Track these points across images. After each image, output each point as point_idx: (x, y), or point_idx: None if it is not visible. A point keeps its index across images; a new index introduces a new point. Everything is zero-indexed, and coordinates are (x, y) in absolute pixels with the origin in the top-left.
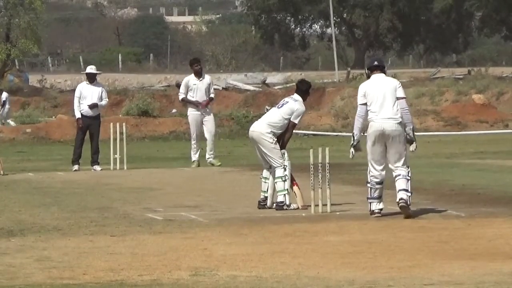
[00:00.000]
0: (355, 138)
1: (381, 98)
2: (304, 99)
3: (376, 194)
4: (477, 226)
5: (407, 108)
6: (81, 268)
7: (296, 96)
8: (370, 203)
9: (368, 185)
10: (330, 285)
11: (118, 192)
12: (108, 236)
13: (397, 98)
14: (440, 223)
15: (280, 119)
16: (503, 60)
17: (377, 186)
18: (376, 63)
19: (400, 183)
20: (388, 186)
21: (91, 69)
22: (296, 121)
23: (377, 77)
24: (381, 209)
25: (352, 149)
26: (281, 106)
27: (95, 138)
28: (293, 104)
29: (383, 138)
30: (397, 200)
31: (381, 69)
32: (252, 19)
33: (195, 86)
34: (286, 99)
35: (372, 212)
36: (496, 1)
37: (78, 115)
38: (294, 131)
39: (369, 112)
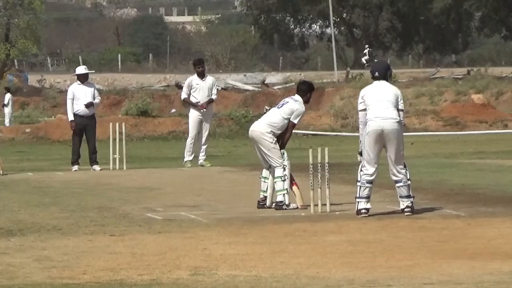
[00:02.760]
0: (361, 144)
1: (381, 100)
2: (306, 101)
3: (365, 194)
4: (477, 225)
5: (402, 120)
6: (81, 267)
7: (296, 96)
8: (358, 202)
9: (358, 183)
10: (329, 284)
11: (118, 192)
12: (108, 235)
13: (400, 110)
14: (440, 222)
15: (280, 119)
16: (503, 60)
17: (367, 185)
18: (376, 74)
19: (402, 190)
20: (387, 186)
21: (85, 69)
22: (295, 121)
23: (380, 83)
24: (368, 209)
25: (358, 156)
26: (281, 106)
27: (91, 138)
28: (293, 104)
29: (382, 137)
30: (402, 207)
31: (384, 78)
32: (252, 19)
33: (198, 86)
34: (287, 99)
35: (359, 212)
36: (496, 1)
37: (71, 117)
38: (293, 131)
39: (368, 112)
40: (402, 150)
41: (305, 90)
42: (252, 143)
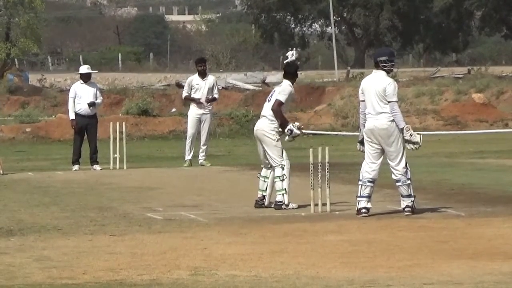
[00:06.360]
0: (360, 133)
1: (372, 98)
2: (293, 82)
3: (366, 193)
4: (477, 225)
5: (395, 111)
6: (81, 267)
7: (282, 83)
8: (359, 201)
9: (360, 182)
10: (329, 284)
11: (118, 191)
12: (108, 235)
13: (387, 102)
14: (440, 222)
15: None
16: (503, 59)
17: (368, 184)
18: (374, 61)
19: (402, 190)
20: (388, 186)
21: (88, 69)
22: (281, 98)
23: (375, 74)
24: (368, 209)
25: (358, 144)
26: (270, 98)
27: (93, 138)
28: (278, 89)
29: (375, 136)
30: (403, 207)
31: (381, 66)
32: (252, 18)
33: (197, 86)
34: (274, 88)
35: (359, 211)
36: (496, 0)
37: (72, 116)
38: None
39: (365, 110)
40: (399, 148)
41: (293, 72)
42: (256, 142)
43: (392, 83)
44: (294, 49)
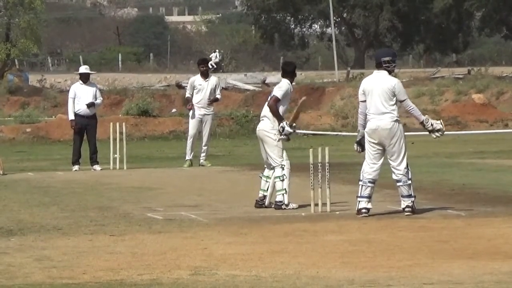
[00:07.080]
0: (359, 134)
1: (377, 97)
2: (291, 81)
3: (366, 193)
4: (477, 225)
5: (411, 107)
6: (81, 267)
7: (281, 82)
8: (359, 201)
9: (360, 182)
10: (329, 284)
11: (118, 191)
12: (108, 235)
13: (400, 101)
14: (440, 222)
15: None
16: (503, 60)
17: (369, 185)
18: (377, 61)
19: (402, 190)
20: (388, 186)
21: (86, 69)
22: (277, 94)
23: (378, 74)
24: (368, 209)
25: (355, 145)
26: (269, 98)
27: (92, 138)
28: (276, 87)
29: (378, 136)
30: (403, 207)
31: (385, 66)
32: (252, 18)
33: (200, 87)
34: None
35: (359, 212)
36: (496, 1)
37: (72, 116)
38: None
39: (367, 110)
40: (401, 148)
41: (292, 71)
42: (258, 142)
43: (398, 82)
44: (217, 50)
